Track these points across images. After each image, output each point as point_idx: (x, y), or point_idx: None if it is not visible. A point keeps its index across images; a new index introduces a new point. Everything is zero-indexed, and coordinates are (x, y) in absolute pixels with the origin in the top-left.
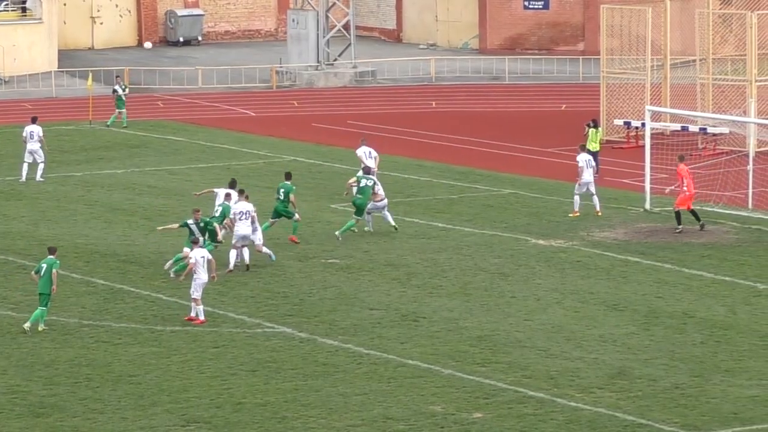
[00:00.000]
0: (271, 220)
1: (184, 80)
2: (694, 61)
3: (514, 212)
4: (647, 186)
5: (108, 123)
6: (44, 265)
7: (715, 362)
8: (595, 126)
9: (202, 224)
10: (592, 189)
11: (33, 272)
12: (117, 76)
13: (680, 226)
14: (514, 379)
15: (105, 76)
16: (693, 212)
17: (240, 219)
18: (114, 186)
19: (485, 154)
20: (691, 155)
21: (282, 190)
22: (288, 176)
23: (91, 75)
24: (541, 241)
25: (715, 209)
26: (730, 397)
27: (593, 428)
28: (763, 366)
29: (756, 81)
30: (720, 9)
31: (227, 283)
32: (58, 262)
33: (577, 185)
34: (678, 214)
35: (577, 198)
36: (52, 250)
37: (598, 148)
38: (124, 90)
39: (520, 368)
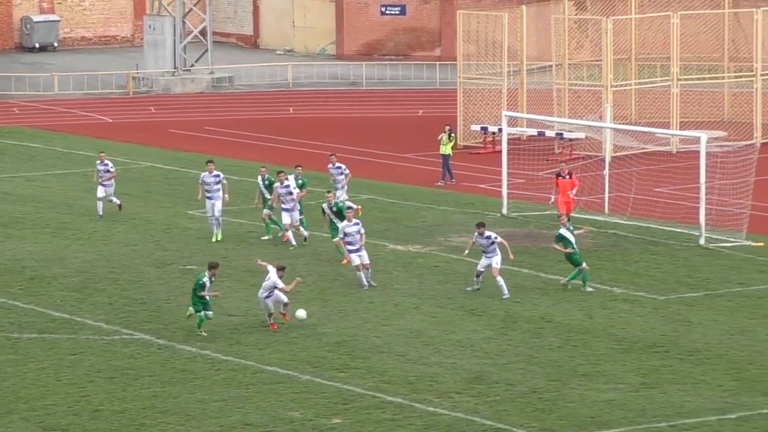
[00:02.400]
0: None
1: (40, 86)
2: (551, 66)
3: (371, 218)
4: (504, 191)
5: None
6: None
7: (572, 366)
8: (450, 132)
9: (266, 182)
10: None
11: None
12: None
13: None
14: (372, 385)
15: None
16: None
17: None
18: None
19: (342, 159)
20: (547, 160)
21: None
22: None
23: None
24: (398, 247)
25: (572, 214)
26: (588, 401)
27: None
28: (620, 370)
29: (612, 86)
30: (576, 15)
31: (84, 290)
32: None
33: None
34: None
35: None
36: (212, 266)
37: (450, 153)
38: None
39: (379, 373)
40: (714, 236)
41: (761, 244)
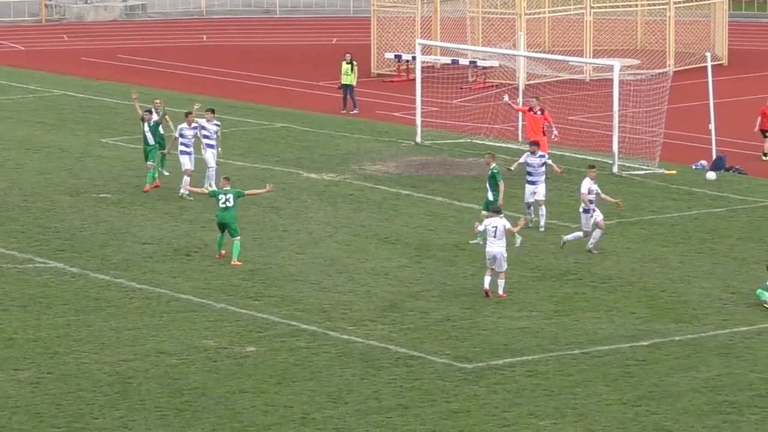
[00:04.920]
0: None
1: None
2: None
3: (285, 146)
4: (418, 119)
5: None
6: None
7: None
8: (351, 60)
9: (153, 124)
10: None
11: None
12: None
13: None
14: (286, 313)
15: None
16: None
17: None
18: None
19: (257, 87)
20: (461, 88)
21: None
22: None
23: None
24: (312, 175)
25: (486, 142)
26: (501, 328)
27: (365, 360)
28: (533, 298)
29: (525, 14)
30: None
31: None
32: None
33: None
34: None
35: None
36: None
37: (352, 82)
38: None
39: (293, 302)
40: (627, 164)
41: (674, 171)
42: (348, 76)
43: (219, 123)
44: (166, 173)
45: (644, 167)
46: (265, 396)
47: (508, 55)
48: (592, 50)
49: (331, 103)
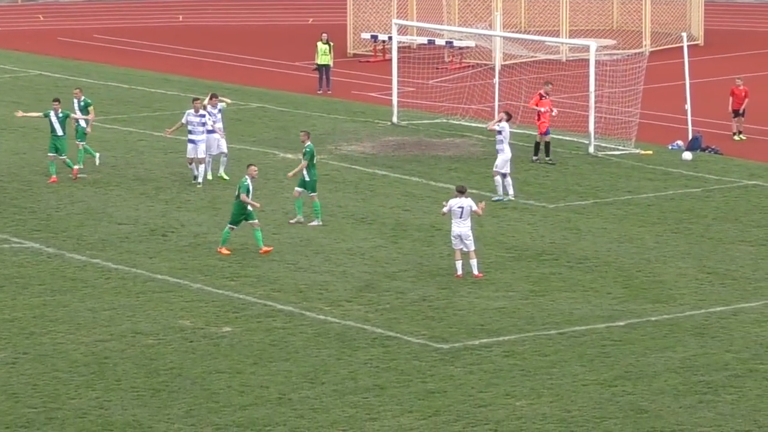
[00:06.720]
0: None
1: None
2: None
3: (262, 126)
4: (394, 99)
5: None
6: None
7: (462, 274)
8: (328, 40)
9: (61, 115)
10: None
11: None
12: None
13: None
14: (263, 293)
15: None
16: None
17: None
18: None
19: (233, 68)
20: (437, 68)
21: None
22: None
23: None
24: (289, 155)
25: (462, 122)
26: (477, 308)
27: (342, 341)
28: (510, 278)
29: None
30: None
31: None
32: None
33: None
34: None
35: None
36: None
37: (329, 62)
38: None
39: (269, 282)
40: (603, 144)
41: (650, 152)
42: (326, 56)
43: (217, 105)
44: (77, 166)
45: (620, 147)
46: (242, 376)
47: (484, 35)
48: (568, 30)
49: (307, 84)
